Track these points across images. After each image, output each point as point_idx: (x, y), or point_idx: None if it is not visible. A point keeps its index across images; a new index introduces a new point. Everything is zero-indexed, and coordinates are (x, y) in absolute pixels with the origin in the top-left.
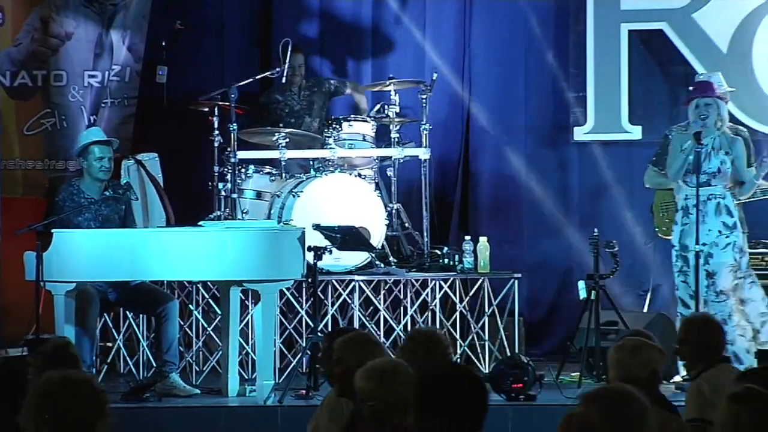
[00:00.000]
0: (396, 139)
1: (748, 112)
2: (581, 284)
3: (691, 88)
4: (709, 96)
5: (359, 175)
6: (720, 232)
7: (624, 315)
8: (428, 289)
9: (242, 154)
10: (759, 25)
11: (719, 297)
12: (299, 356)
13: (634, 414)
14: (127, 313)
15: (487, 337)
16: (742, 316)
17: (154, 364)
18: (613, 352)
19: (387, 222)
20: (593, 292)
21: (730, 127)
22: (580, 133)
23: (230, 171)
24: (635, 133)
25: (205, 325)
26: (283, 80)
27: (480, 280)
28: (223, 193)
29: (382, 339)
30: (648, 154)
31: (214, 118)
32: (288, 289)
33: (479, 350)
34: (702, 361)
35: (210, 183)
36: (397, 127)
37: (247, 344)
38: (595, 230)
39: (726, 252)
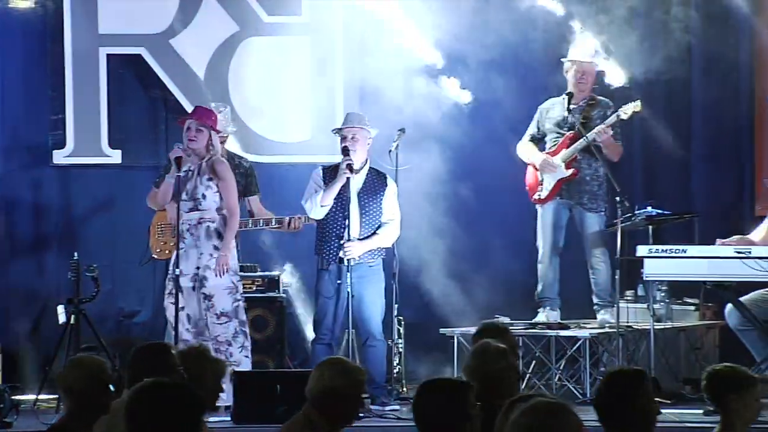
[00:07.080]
0: None
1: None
2: (60, 308)
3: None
4: (200, 121)
5: None
6: (211, 255)
7: (104, 339)
8: None
9: None
10: (234, 54)
11: (220, 319)
12: None
13: None
14: None
15: None
16: (246, 338)
17: None
18: None
19: None
20: (73, 316)
21: (234, 156)
22: (60, 156)
23: None
24: (115, 156)
25: None
26: None
27: None
28: None
29: None
30: (129, 177)
31: None
32: None
33: None
34: None
35: None
36: None
37: None
38: (75, 254)
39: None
